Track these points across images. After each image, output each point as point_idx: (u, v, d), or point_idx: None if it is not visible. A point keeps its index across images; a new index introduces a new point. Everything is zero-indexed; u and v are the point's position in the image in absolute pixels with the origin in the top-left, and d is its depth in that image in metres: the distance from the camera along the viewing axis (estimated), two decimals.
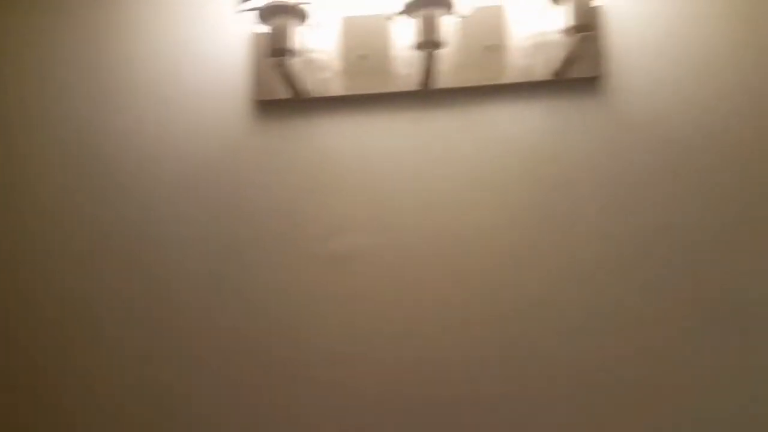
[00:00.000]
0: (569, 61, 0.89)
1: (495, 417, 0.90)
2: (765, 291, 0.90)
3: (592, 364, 0.90)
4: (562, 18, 0.86)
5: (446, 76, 0.93)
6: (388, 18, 0.88)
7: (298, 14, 0.86)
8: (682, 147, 0.93)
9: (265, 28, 0.87)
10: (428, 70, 0.88)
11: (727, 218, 0.91)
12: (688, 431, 0.88)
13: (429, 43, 0.84)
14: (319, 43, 0.95)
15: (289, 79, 0.89)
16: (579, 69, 0.92)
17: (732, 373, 0.89)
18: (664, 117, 0.93)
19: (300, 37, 0.87)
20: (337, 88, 0.95)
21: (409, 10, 0.84)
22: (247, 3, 0.85)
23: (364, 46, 0.94)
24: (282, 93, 0.94)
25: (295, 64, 0.89)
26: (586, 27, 0.83)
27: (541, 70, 0.93)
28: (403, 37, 0.93)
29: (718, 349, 0.90)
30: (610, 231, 0.92)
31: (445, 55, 0.93)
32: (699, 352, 0.89)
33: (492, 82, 0.93)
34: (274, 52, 0.85)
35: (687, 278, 0.91)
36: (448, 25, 0.86)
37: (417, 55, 0.90)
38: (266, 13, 0.85)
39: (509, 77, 0.93)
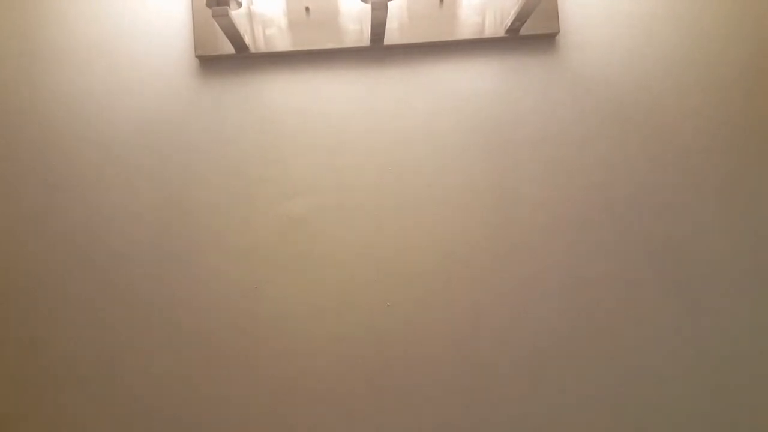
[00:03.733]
0: (522, 18, 0.87)
1: (452, 382, 0.90)
2: (706, 245, 0.91)
3: (539, 329, 0.90)
4: None
5: (396, 32, 0.90)
6: None
7: None
8: (633, 105, 0.92)
9: None
10: (378, 24, 0.85)
11: (675, 176, 0.92)
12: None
13: None
14: None
15: (231, 33, 0.85)
16: (532, 26, 0.90)
17: (706, 343, 0.90)
18: (617, 75, 0.92)
19: None
20: (283, 44, 0.90)
21: None
22: None
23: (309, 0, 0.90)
24: (225, 48, 0.90)
25: (236, 17, 0.84)
26: None
27: (494, 27, 0.91)
28: None
29: (668, 309, 0.91)
30: (562, 189, 0.91)
31: (394, 11, 0.89)
32: (650, 312, 0.90)
33: (444, 39, 0.91)
34: (213, 1, 0.80)
35: (633, 234, 0.91)
36: None
37: (365, 9, 0.86)
38: None
39: (462, 33, 0.91)
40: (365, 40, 0.90)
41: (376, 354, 0.90)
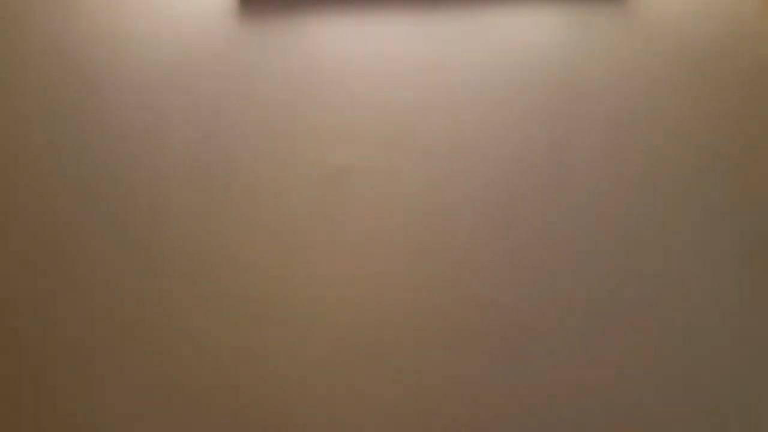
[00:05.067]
0: None
1: (479, 360, 0.85)
2: None
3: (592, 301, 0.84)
4: None
5: None
6: None
7: None
8: (705, 64, 0.84)
9: None
10: None
11: (749, 140, 0.84)
12: None
13: None
14: None
15: None
16: None
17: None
18: (691, 32, 0.84)
19: None
20: None
21: None
22: None
23: None
24: None
25: None
26: None
27: None
28: None
29: None
30: (623, 152, 0.84)
31: None
32: None
33: None
34: None
35: (708, 205, 0.84)
36: None
37: None
38: None
39: None
40: None
41: (418, 317, 0.85)
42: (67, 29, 0.88)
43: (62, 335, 0.86)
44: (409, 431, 0.82)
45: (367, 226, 0.86)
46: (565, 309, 0.84)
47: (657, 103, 0.84)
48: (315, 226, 0.86)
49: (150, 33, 0.88)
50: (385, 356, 0.86)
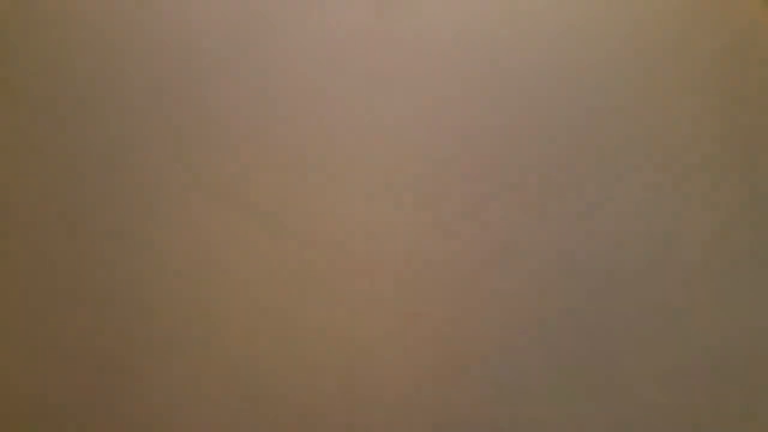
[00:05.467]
0: None
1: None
2: None
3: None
4: None
5: None
6: None
7: None
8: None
9: None
10: None
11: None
12: None
13: None
14: None
15: None
16: None
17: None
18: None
19: None
20: None
21: None
22: None
23: None
24: None
25: None
26: None
27: None
28: None
29: None
30: None
31: None
32: None
33: None
34: None
35: None
36: None
37: None
38: None
39: None
40: None
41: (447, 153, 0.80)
42: None
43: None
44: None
45: (413, 58, 0.75)
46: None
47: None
48: (358, 59, 0.75)
49: None
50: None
